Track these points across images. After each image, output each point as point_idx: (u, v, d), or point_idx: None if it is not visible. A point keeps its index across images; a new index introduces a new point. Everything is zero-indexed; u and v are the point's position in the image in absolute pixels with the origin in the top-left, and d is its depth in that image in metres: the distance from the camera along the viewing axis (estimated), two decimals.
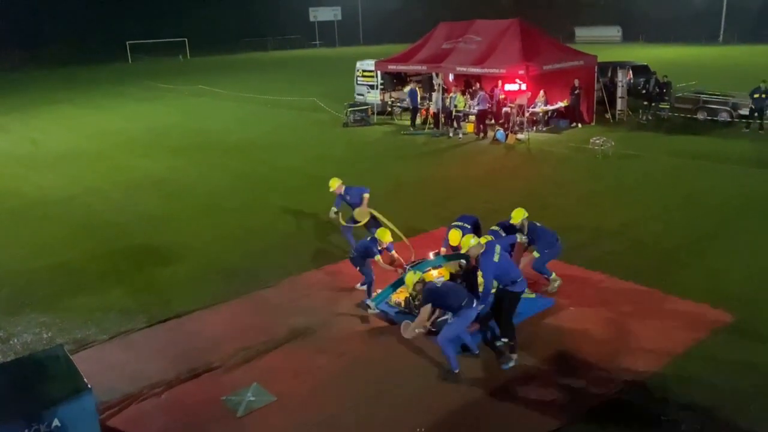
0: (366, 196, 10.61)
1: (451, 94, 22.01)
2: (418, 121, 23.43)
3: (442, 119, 22.49)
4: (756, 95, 19.88)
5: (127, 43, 72.52)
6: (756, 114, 20.09)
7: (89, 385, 5.97)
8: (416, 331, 7.53)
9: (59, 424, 5.73)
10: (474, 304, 7.31)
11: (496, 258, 7.44)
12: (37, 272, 11.11)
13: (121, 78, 50.89)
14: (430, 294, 7.39)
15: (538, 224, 9.50)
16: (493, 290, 7.66)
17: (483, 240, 7.76)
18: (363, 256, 8.98)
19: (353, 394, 7.11)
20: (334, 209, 10.73)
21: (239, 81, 42.73)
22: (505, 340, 7.68)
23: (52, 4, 75.26)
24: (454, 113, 21.63)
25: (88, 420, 5.95)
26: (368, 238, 9.21)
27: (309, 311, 9.06)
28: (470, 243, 7.48)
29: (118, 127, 26.46)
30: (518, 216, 9.12)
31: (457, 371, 7.23)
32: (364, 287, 9.25)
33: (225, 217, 13.64)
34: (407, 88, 23.97)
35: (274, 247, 11.75)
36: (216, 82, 41.13)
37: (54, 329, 8.96)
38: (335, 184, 10.57)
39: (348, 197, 10.68)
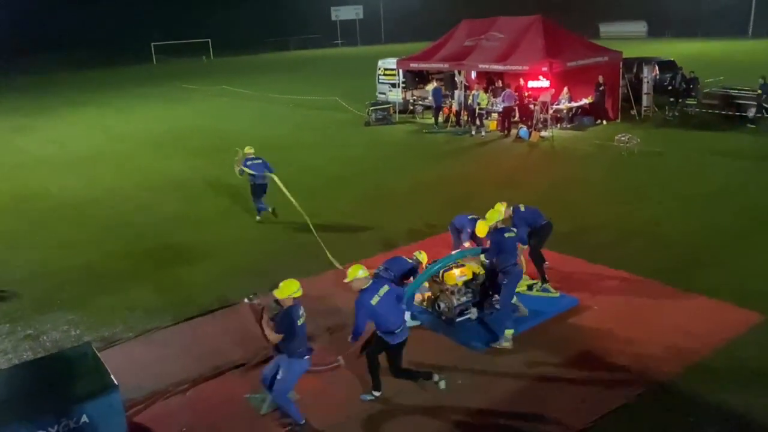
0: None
1: (473, 92, 21.91)
2: (441, 119, 23.37)
3: (465, 117, 22.40)
4: None
5: (152, 44, 73.47)
6: None
7: (116, 383, 6.08)
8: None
9: (87, 420, 5.84)
10: (305, 358, 6.48)
11: (374, 300, 6.57)
12: (64, 272, 11.32)
13: (146, 80, 51.56)
14: (283, 323, 6.36)
15: (522, 208, 9.21)
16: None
17: (369, 274, 6.81)
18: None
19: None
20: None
21: (262, 81, 43.01)
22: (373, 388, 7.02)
23: (78, 8, 76.65)
24: (477, 111, 21.53)
25: (115, 417, 6.05)
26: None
27: (331, 311, 9.08)
28: (356, 274, 6.65)
29: (141, 129, 26.82)
30: (493, 218, 8.18)
31: (303, 422, 6.55)
32: None
33: (246, 218, 13.74)
34: (430, 87, 23.91)
35: (295, 247, 11.81)
36: (239, 82, 41.47)
37: (82, 327, 9.13)
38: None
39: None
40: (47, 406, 5.88)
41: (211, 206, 14.82)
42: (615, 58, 22.00)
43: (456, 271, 8.49)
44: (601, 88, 21.43)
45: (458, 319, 8.38)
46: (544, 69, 19.93)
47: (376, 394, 6.97)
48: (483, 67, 22.03)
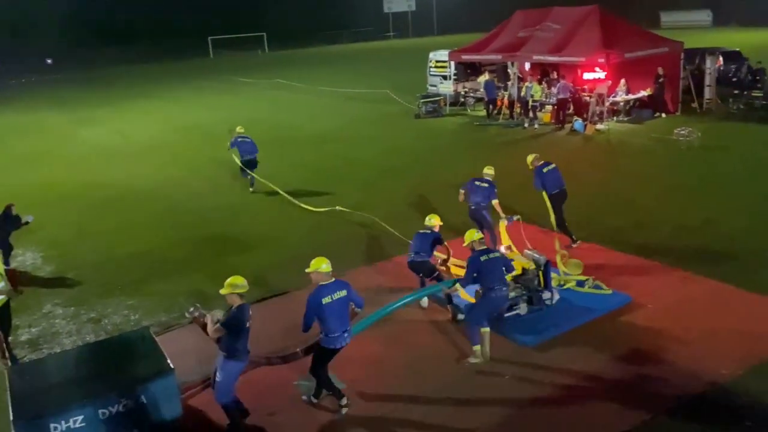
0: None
1: (527, 84, 21.58)
2: (494, 111, 23.09)
3: (518, 109, 22.09)
4: None
5: (209, 38, 75.23)
6: None
7: (172, 366, 6.34)
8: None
9: (144, 401, 6.13)
10: (243, 359, 6.40)
11: (326, 300, 6.52)
12: (126, 258, 11.82)
13: (203, 73, 52.89)
14: (234, 318, 6.32)
15: (544, 170, 10.45)
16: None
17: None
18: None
19: (421, 385, 7.16)
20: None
21: (314, 74, 43.48)
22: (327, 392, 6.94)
23: (141, 3, 79.17)
24: (530, 103, 21.20)
25: (171, 399, 6.33)
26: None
27: (380, 302, 9.17)
28: (319, 267, 6.65)
29: (199, 120, 27.57)
30: (434, 221, 8.46)
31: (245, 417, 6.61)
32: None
33: (299, 208, 13.98)
34: (482, 79, 23.67)
35: (346, 237, 11.96)
36: (292, 75, 42.05)
37: (140, 312, 9.52)
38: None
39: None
40: (110, 386, 6.20)
41: (265, 196, 15.13)
42: (676, 49, 21.23)
43: None
44: (660, 80, 20.74)
45: (507, 314, 8.33)
46: (601, 60, 19.43)
47: (343, 402, 6.82)
48: (537, 58, 21.65)
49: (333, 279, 6.74)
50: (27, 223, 11.32)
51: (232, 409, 6.52)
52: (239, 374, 6.52)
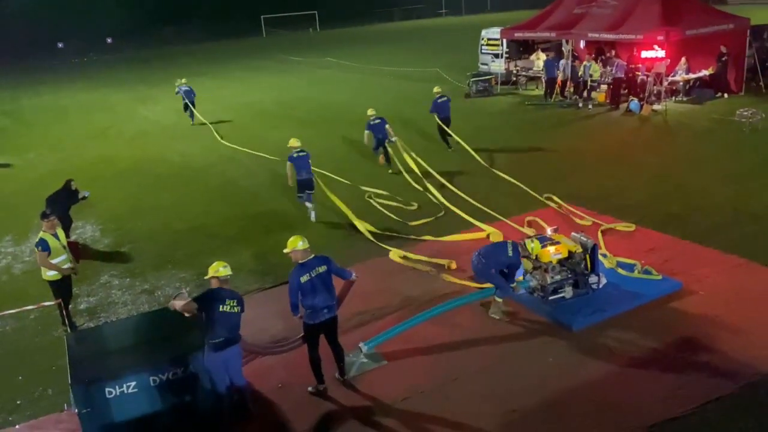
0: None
1: (585, 63, 20.94)
2: (539, 91, 22.56)
3: (570, 89, 21.53)
4: None
5: (262, 17, 75.84)
6: None
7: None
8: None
9: (192, 371, 6.36)
10: (220, 348, 6.16)
11: (303, 278, 6.56)
12: (179, 233, 12.21)
13: (256, 51, 53.51)
14: (201, 298, 6.28)
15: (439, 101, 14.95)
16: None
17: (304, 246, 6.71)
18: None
19: (462, 365, 7.19)
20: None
21: (365, 53, 43.40)
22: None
23: None
24: (588, 83, 20.59)
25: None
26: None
27: (424, 281, 9.22)
28: (296, 245, 6.68)
29: (251, 99, 27.98)
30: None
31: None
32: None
33: (347, 187, 14.07)
34: (535, 57, 23.09)
35: (393, 216, 11.99)
36: (343, 54, 42.08)
37: (191, 285, 9.84)
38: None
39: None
40: (163, 354, 6.47)
41: (316, 175, 15.25)
42: (742, 26, 20.18)
43: (551, 249, 8.27)
44: (723, 59, 19.80)
45: (551, 297, 8.24)
46: (660, 38, 18.67)
47: (320, 387, 6.90)
48: (592, 35, 20.96)
49: (312, 255, 6.76)
50: (85, 197, 11.80)
51: (226, 402, 6.40)
52: (224, 364, 6.26)
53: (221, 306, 6.20)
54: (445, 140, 16.42)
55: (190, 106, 22.65)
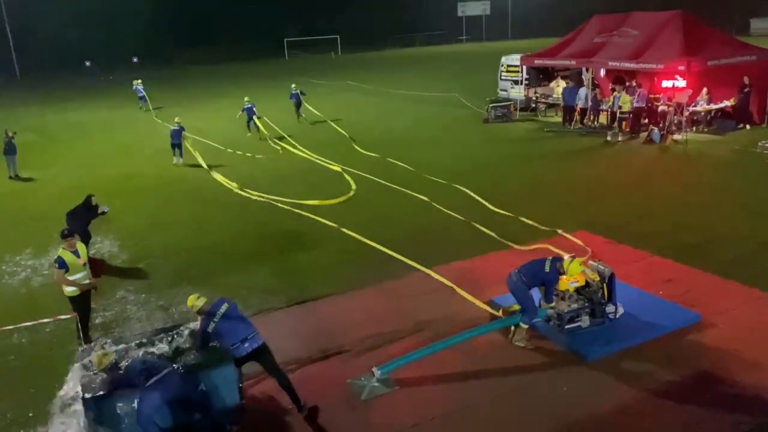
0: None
1: (615, 94, 20.72)
2: (558, 118, 22.49)
3: (590, 117, 21.47)
4: None
5: (285, 40, 77.15)
6: None
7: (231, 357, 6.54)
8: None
9: (204, 388, 6.35)
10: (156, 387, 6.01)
11: (210, 328, 6.56)
12: (195, 251, 12.29)
13: (278, 73, 54.23)
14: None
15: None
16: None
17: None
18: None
19: (474, 393, 7.09)
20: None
21: (385, 77, 43.81)
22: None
23: (223, 6, 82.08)
24: (618, 114, 20.41)
25: (230, 388, 6.54)
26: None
27: (437, 306, 9.15)
28: (193, 303, 6.85)
29: (272, 119, 28.23)
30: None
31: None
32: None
33: (361, 209, 14.12)
34: (555, 84, 23.07)
35: (407, 240, 11.96)
36: (364, 78, 42.52)
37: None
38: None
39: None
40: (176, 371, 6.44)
41: (329, 195, 15.36)
42: (765, 57, 20.10)
43: (564, 277, 8.20)
44: (745, 90, 19.69)
45: (567, 326, 8.13)
46: (681, 68, 18.64)
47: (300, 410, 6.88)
48: (613, 64, 20.97)
49: (210, 304, 6.86)
50: (104, 213, 11.93)
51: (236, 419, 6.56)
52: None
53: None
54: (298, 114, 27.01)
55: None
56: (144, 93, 33.97)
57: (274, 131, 24.12)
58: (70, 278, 8.43)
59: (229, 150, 21.72)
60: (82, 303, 8.62)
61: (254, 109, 24.70)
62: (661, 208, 12.95)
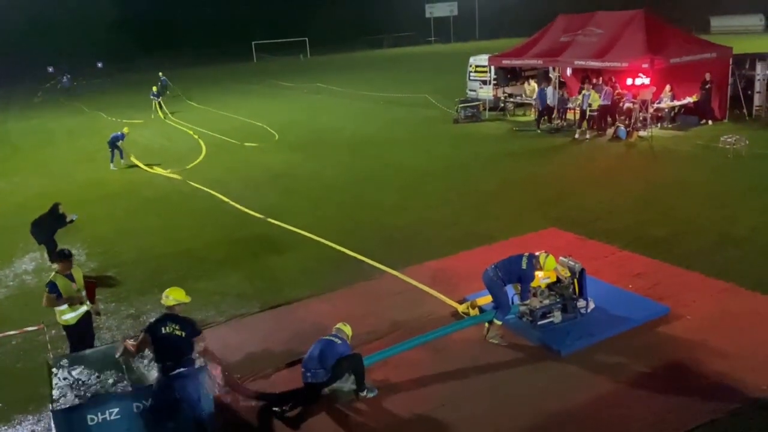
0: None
1: (584, 92, 20.92)
2: (529, 117, 22.66)
3: (555, 116, 21.80)
4: None
5: (253, 43, 76.54)
6: None
7: (204, 364, 6.47)
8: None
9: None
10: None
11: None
12: (166, 257, 12.11)
13: (246, 77, 53.82)
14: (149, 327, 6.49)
15: None
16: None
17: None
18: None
19: (450, 391, 7.13)
20: None
21: (355, 79, 43.78)
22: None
23: (187, 9, 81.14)
24: (588, 112, 20.65)
25: (203, 395, 6.45)
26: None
27: (410, 305, 9.18)
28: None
29: (241, 124, 28.03)
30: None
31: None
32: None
33: (335, 210, 14.10)
34: (528, 87, 23.31)
35: (379, 240, 11.99)
36: (333, 80, 42.41)
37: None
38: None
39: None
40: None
41: (302, 198, 15.33)
42: (724, 55, 20.63)
43: (540, 273, 8.31)
44: (707, 86, 20.18)
45: (540, 322, 8.22)
46: (645, 66, 19.00)
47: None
48: (579, 63, 21.28)
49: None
50: (72, 221, 11.69)
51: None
52: (180, 390, 6.20)
53: (163, 328, 6.32)
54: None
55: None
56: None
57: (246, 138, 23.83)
58: (61, 307, 7.55)
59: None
60: (81, 333, 7.72)
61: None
62: (629, 204, 13.18)
